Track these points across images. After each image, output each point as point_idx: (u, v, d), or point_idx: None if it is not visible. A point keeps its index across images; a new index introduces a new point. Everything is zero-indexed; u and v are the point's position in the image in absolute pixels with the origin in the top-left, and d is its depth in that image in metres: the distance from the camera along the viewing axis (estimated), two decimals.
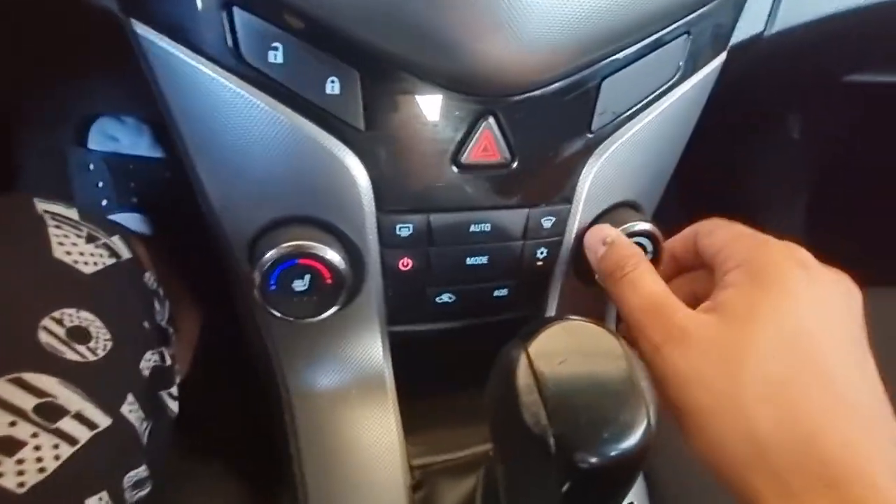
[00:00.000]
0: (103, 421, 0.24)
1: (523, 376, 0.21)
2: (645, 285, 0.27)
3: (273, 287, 0.28)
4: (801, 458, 0.21)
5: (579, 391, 0.20)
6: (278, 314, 0.29)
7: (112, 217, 0.72)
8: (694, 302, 0.27)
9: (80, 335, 0.24)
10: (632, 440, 0.20)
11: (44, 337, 0.23)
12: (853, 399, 0.22)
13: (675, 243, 0.32)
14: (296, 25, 0.24)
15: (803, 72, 0.47)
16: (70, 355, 0.24)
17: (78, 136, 0.72)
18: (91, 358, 0.24)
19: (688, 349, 0.24)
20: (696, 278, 0.30)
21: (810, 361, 0.23)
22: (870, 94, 0.60)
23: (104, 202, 0.72)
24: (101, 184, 0.73)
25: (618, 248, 0.30)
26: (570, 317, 0.23)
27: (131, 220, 0.72)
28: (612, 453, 0.20)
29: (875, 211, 0.82)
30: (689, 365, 0.24)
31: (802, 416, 0.22)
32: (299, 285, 0.29)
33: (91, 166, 0.73)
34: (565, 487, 0.21)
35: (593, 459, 0.20)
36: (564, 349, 0.22)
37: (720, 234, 0.28)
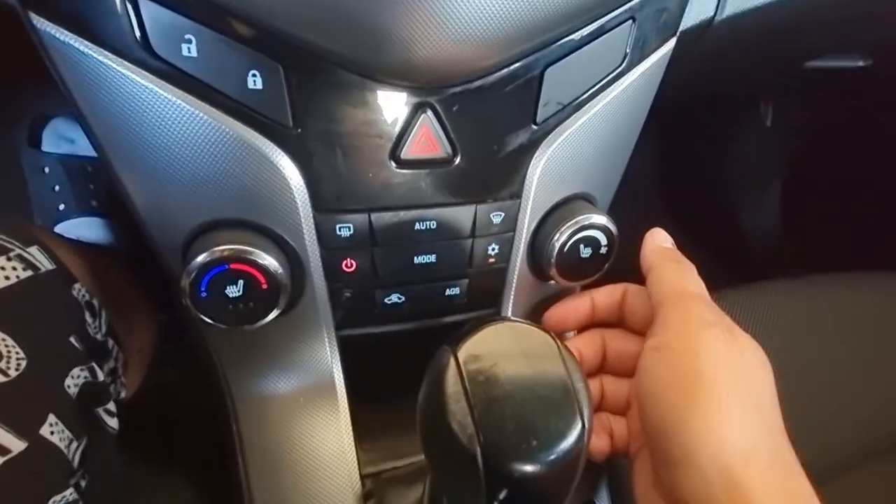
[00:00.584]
0: (17, 445, 0.23)
1: (451, 383, 0.20)
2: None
3: (204, 294, 0.27)
4: None
5: (509, 397, 0.19)
6: (211, 322, 0.28)
7: (70, 222, 0.70)
8: (601, 355, 0.32)
9: None
10: (563, 447, 0.19)
11: None
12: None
13: (600, 292, 0.33)
14: (207, 17, 0.23)
15: (763, 58, 0.46)
16: None
17: (31, 137, 0.69)
18: (1, 379, 0.23)
19: None
20: (608, 333, 0.32)
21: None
22: (834, 79, 0.60)
23: (61, 206, 0.69)
24: (57, 188, 0.70)
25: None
26: (506, 317, 0.22)
27: (91, 225, 0.69)
28: (543, 461, 0.19)
29: (848, 196, 0.83)
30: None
31: None
32: (233, 291, 0.27)
33: (46, 169, 0.70)
34: (502, 495, 0.20)
35: (522, 468, 0.19)
36: (496, 353, 0.21)
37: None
